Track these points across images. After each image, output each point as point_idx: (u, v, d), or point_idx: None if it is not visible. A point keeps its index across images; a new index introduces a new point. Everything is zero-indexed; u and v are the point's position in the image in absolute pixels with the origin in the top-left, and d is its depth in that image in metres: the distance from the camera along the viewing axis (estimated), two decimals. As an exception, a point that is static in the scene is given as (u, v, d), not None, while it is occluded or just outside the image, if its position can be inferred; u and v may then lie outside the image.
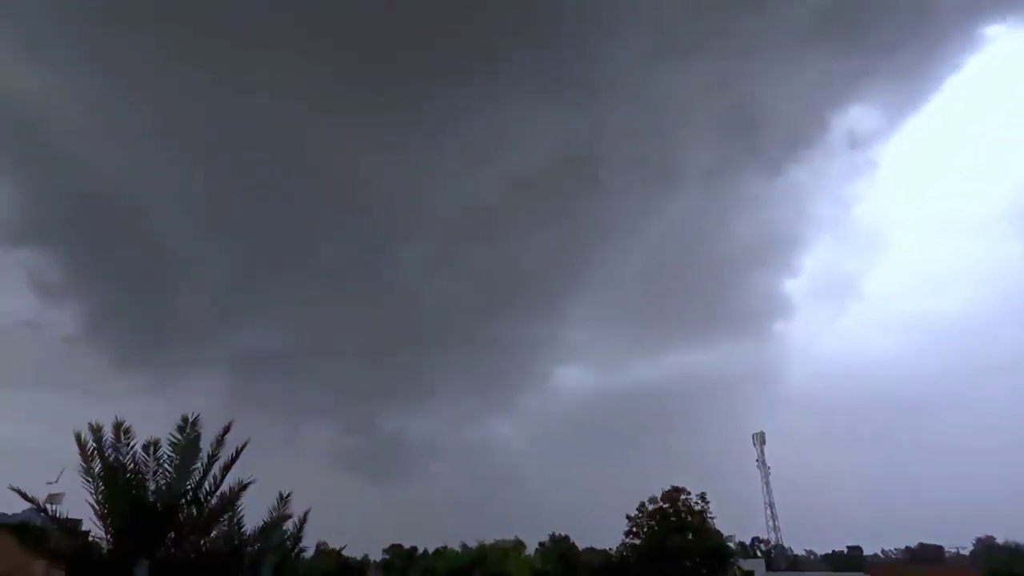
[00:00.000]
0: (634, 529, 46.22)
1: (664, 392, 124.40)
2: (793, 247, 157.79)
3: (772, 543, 74.19)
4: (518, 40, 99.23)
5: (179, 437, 12.27)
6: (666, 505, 45.09)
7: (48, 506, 12.11)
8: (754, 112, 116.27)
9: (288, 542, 14.35)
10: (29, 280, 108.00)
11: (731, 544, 51.46)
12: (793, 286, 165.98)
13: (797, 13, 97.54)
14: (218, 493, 12.37)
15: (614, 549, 50.85)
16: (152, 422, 13.48)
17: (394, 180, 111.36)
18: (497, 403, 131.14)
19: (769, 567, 62.31)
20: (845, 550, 77.57)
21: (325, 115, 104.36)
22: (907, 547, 76.97)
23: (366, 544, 74.12)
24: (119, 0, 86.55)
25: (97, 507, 11.85)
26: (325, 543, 58.42)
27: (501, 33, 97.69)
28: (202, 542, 12.74)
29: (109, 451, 12.15)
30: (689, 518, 44.20)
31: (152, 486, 12.16)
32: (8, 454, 66.99)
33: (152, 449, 12.21)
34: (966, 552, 68.68)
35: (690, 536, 43.69)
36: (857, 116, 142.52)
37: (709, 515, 44.57)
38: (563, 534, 59.22)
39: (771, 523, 74.38)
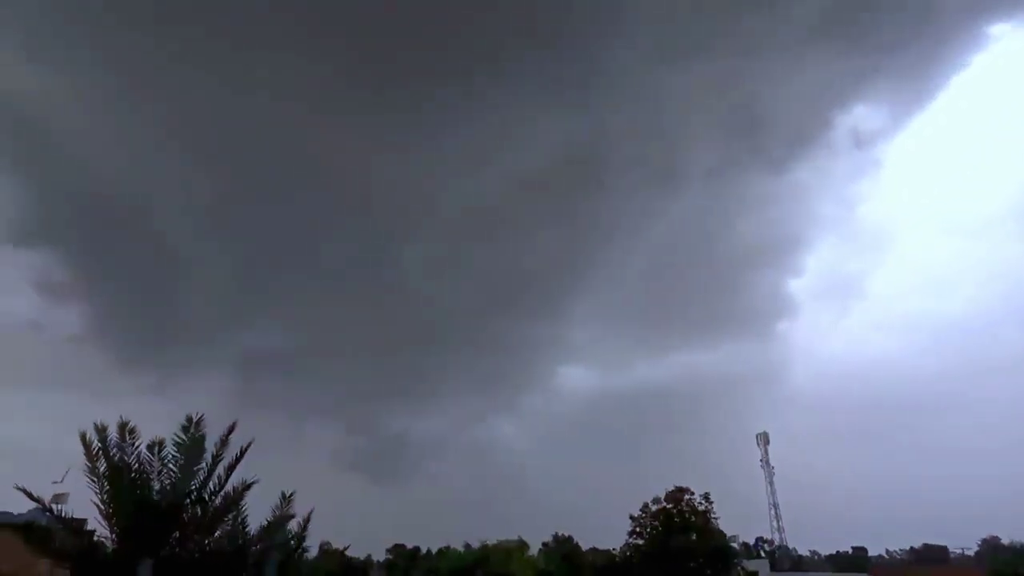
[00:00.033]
0: (638, 529, 46.23)
1: (668, 392, 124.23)
2: (797, 247, 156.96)
3: (776, 543, 73.98)
4: (519, 40, 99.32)
5: (183, 437, 12.27)
6: (670, 505, 45.07)
7: (53, 506, 12.14)
8: (758, 112, 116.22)
9: (292, 542, 14.32)
10: (33, 280, 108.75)
11: (735, 544, 51.56)
12: (797, 286, 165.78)
13: (801, 12, 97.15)
14: (222, 493, 12.39)
15: (618, 549, 50.95)
16: (156, 422, 13.56)
17: (395, 180, 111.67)
18: (500, 403, 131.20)
19: (773, 568, 62.04)
20: (850, 551, 77.49)
21: (326, 115, 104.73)
22: (912, 548, 76.73)
23: (369, 544, 74.39)
24: (120, 0, 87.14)
25: (102, 507, 11.85)
26: (328, 543, 58.76)
27: (502, 33, 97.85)
28: (206, 541, 12.73)
29: (114, 451, 12.16)
30: (693, 518, 44.19)
31: (156, 486, 12.18)
32: (13, 454, 67.51)
33: (157, 449, 12.22)
34: (971, 553, 68.45)
35: (694, 536, 43.69)
36: (861, 115, 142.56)
37: (713, 515, 44.63)
38: (566, 534, 59.39)
39: (775, 523, 74.21)
